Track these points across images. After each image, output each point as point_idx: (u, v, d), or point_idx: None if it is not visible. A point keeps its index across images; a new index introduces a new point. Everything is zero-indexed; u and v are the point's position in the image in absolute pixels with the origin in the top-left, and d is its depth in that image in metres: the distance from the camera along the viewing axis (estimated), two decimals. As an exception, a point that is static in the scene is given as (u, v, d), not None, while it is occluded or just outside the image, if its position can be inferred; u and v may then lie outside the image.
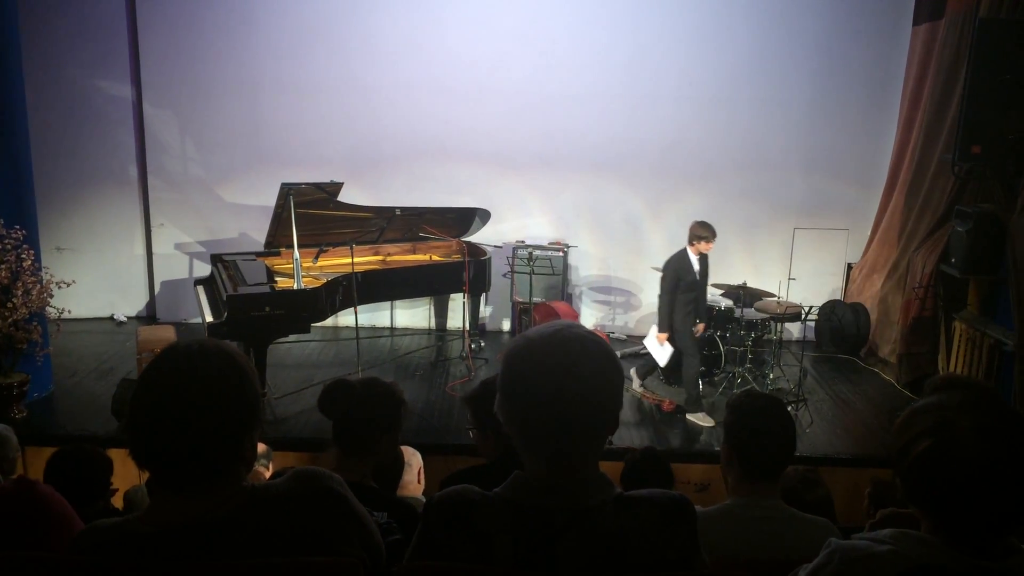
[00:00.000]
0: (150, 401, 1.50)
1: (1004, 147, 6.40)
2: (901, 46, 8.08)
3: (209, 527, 1.49)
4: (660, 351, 6.75)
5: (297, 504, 1.57)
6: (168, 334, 6.81)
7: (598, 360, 1.53)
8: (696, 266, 6.59)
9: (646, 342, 6.92)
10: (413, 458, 4.07)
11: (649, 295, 8.69)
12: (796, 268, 7.69)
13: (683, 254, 6.59)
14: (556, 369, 1.50)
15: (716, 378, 7.24)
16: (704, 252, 6.61)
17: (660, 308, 6.70)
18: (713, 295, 7.66)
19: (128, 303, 8.77)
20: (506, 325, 8.84)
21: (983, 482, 1.47)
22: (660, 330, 6.69)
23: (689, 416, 6.62)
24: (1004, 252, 6.29)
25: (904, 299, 7.67)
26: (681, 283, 6.54)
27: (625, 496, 1.56)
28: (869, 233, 8.51)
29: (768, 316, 7.20)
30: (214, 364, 1.53)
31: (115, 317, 8.68)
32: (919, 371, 7.43)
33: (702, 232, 6.53)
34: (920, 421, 1.57)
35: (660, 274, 6.75)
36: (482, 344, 8.11)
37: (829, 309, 8.40)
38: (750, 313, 7.29)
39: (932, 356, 7.40)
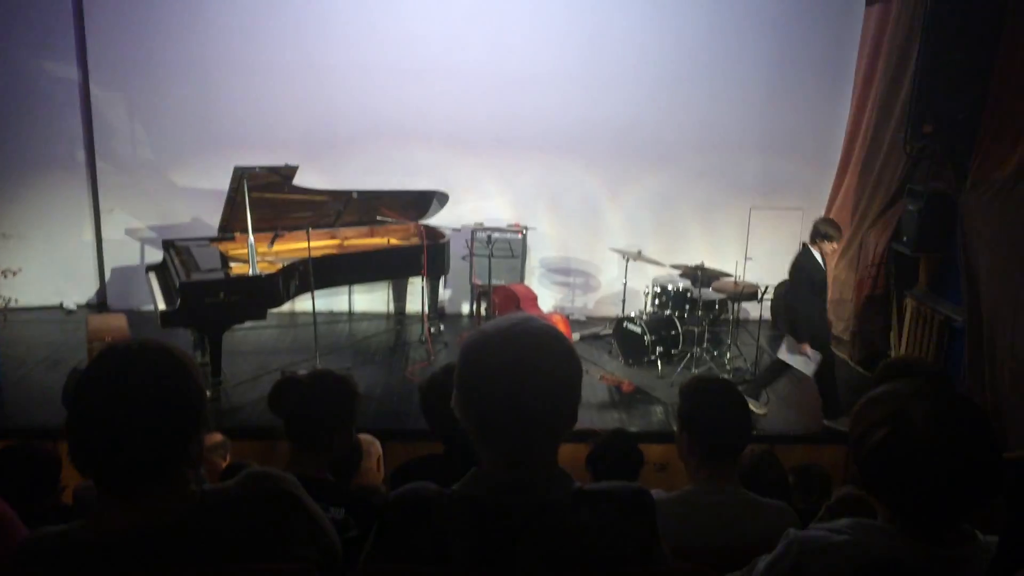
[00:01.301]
0: (88, 405, 1.45)
1: (955, 126, 6.50)
2: (854, 25, 8.13)
3: (158, 533, 1.45)
4: (807, 362, 6.17)
5: (249, 507, 1.53)
6: (119, 322, 6.67)
7: (556, 355, 1.52)
8: (823, 265, 6.13)
9: (784, 357, 6.30)
10: (372, 446, 4.04)
11: (608, 275, 8.73)
12: (752, 248, 7.74)
13: (808, 254, 6.11)
14: (513, 365, 1.48)
15: (674, 358, 7.29)
16: (827, 252, 6.12)
17: (799, 316, 6.13)
18: (671, 275, 7.72)
19: (78, 291, 8.57)
20: (465, 308, 8.82)
21: (937, 470, 1.51)
22: (802, 340, 6.10)
23: (826, 421, 6.26)
24: (954, 230, 6.40)
25: (857, 277, 7.79)
26: (814, 285, 6.06)
27: (584, 491, 1.55)
28: (823, 213, 8.60)
29: (725, 296, 7.27)
30: (154, 364, 1.48)
31: (64, 305, 8.48)
32: (871, 348, 7.56)
33: (829, 230, 6.04)
34: (875, 411, 1.61)
35: (789, 279, 6.26)
36: (441, 328, 8.08)
37: (784, 289, 8.48)
38: (707, 293, 7.35)
39: (884, 333, 7.54)
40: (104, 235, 8.48)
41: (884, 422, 1.57)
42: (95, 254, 8.55)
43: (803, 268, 6.15)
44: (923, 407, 1.55)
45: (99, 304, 8.61)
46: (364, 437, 3.89)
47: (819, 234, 6.12)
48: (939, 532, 1.56)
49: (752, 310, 8.28)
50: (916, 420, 1.54)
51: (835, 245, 6.14)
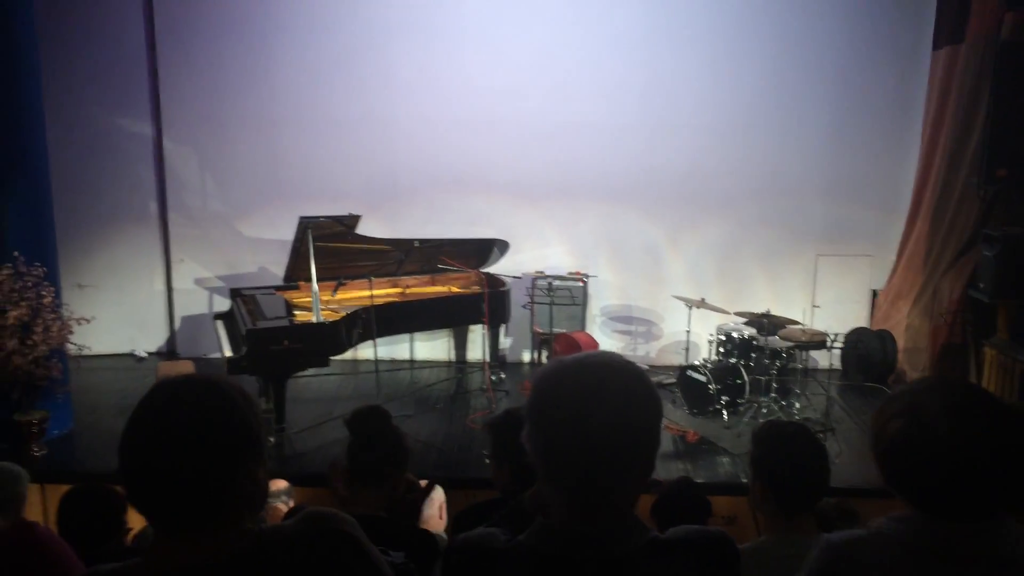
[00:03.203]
0: (138, 439, 1.43)
1: (1030, 169, 6.31)
2: (921, 71, 8.00)
3: (212, 571, 1.42)
4: None
5: (306, 547, 1.49)
6: (187, 368, 6.79)
7: (634, 390, 1.44)
8: None
9: None
10: (435, 493, 4.00)
11: (670, 324, 8.59)
12: (820, 295, 7.59)
13: None
14: (589, 396, 1.40)
15: (741, 408, 7.10)
16: None
17: None
18: (735, 323, 7.57)
19: (148, 339, 8.77)
20: (527, 356, 8.76)
21: (955, 458, 1.52)
22: None
23: None
24: (1034, 276, 6.17)
25: (932, 325, 7.53)
26: None
27: (660, 540, 1.46)
28: (894, 259, 8.38)
29: (793, 344, 7.08)
30: (203, 396, 1.45)
31: (135, 353, 8.67)
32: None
33: None
34: (892, 405, 1.65)
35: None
36: (502, 376, 8.02)
37: (855, 337, 8.25)
38: (774, 341, 7.16)
39: (962, 383, 7.24)
40: (174, 284, 8.68)
41: (900, 414, 1.60)
42: (166, 303, 8.75)
43: None
44: (939, 399, 1.57)
45: (169, 352, 8.78)
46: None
47: None
48: (961, 521, 1.55)
49: (821, 359, 8.05)
50: (931, 411, 1.55)
51: None
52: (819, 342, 6.94)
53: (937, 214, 7.59)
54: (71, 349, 6.33)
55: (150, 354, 8.72)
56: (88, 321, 6.37)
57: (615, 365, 1.46)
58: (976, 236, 7.05)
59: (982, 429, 1.52)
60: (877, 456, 1.69)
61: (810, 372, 7.65)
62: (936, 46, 7.81)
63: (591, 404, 1.39)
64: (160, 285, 8.71)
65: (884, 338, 8.08)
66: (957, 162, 7.34)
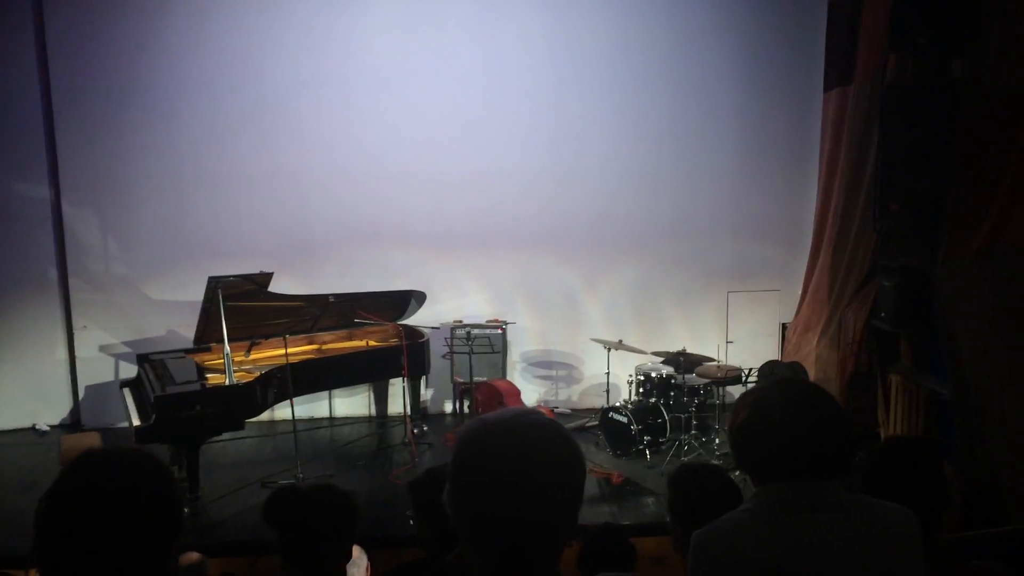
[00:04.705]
0: (61, 516, 1.35)
1: (921, 202, 6.61)
2: (815, 111, 8.34)
3: None
4: None
5: None
6: (93, 441, 6.51)
7: (559, 451, 1.42)
8: None
9: None
10: (360, 558, 3.89)
11: (590, 367, 8.66)
12: (732, 331, 7.76)
13: None
14: (512, 458, 1.38)
15: (663, 447, 7.17)
16: None
17: None
18: (653, 363, 7.67)
19: (51, 411, 8.37)
20: (448, 407, 8.69)
21: (787, 436, 1.88)
22: None
23: None
24: (931, 304, 6.42)
25: (839, 355, 7.76)
26: None
27: None
28: (800, 292, 8.65)
29: (709, 381, 7.21)
30: (132, 471, 1.39)
31: (37, 427, 8.26)
32: (860, 426, 7.47)
33: None
34: (743, 400, 2.03)
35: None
36: (424, 428, 7.93)
37: (768, 370, 8.40)
38: (691, 379, 7.29)
39: (872, 410, 7.46)
40: (78, 353, 8.34)
41: (748, 406, 1.97)
42: (68, 372, 8.38)
43: None
44: (779, 393, 1.96)
45: (73, 424, 8.39)
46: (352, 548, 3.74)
47: None
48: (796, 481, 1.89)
49: (737, 393, 8.19)
50: (771, 402, 1.94)
51: None
52: (734, 377, 7.08)
53: (838, 248, 7.87)
54: (-34, 427, 6.01)
55: (53, 427, 8.32)
56: (-16, 396, 6.06)
57: (540, 426, 1.44)
58: (875, 268, 7.32)
59: (810, 415, 1.90)
60: (731, 443, 2.02)
61: (728, 407, 7.77)
62: (827, 88, 8.15)
63: (519, 469, 1.37)
64: (62, 354, 8.35)
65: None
66: (853, 198, 7.63)
